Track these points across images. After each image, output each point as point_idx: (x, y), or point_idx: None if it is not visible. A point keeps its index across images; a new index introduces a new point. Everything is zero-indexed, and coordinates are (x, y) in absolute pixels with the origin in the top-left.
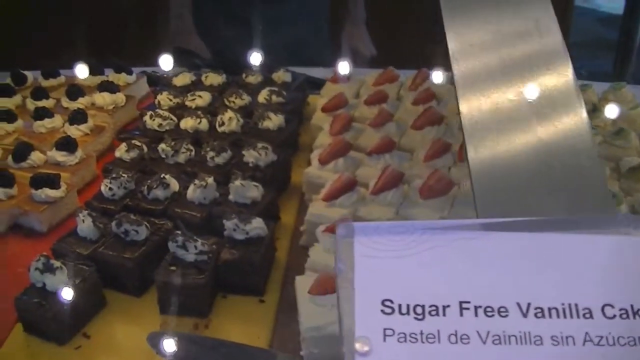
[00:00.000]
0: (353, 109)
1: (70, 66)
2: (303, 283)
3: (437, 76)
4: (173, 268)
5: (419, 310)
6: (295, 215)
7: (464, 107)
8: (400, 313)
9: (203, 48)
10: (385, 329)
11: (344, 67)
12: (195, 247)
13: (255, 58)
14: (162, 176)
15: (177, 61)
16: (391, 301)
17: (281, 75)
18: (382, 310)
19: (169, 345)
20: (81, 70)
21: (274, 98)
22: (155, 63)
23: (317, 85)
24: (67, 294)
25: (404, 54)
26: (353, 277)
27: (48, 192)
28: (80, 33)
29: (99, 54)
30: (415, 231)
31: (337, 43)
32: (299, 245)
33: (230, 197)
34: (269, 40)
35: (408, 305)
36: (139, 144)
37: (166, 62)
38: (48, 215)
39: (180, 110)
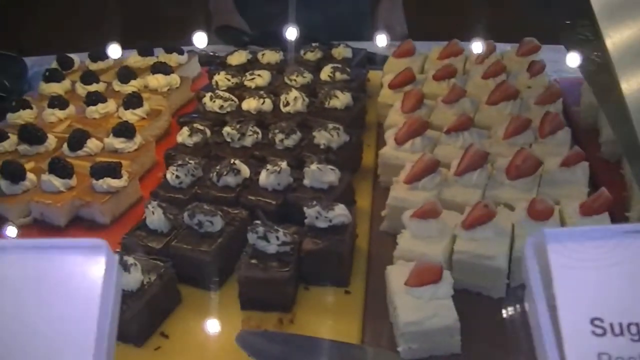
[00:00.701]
0: (420, 84)
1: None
2: (395, 273)
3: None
4: (254, 261)
5: (633, 329)
6: (371, 199)
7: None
8: (614, 334)
9: (244, 25)
10: (599, 354)
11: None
12: (277, 238)
13: (309, 34)
14: (232, 162)
15: (224, 39)
16: (601, 320)
17: (341, 51)
18: (592, 332)
19: (260, 344)
20: (114, 51)
21: (338, 75)
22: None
23: (370, 60)
24: (144, 292)
25: (455, 26)
26: (553, 292)
27: (110, 182)
28: (116, 13)
29: (136, 35)
30: (614, 235)
31: (378, 17)
32: (379, 231)
33: (306, 182)
34: (307, 15)
35: (621, 324)
36: (201, 127)
37: (200, 39)
38: (110, 206)
39: (239, 91)
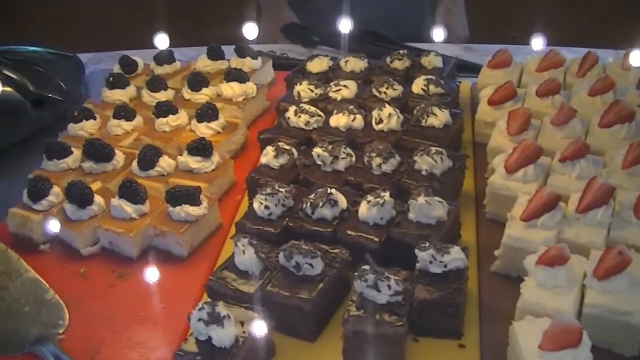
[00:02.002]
0: (521, 100)
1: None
2: (524, 332)
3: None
4: (363, 313)
5: None
6: (475, 232)
7: None
8: None
9: (294, 20)
10: None
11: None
12: (389, 287)
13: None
14: (328, 191)
15: (290, 38)
16: None
17: (432, 60)
18: None
19: None
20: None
21: (432, 88)
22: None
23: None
24: (238, 349)
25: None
26: None
27: (188, 210)
28: (160, 11)
29: (180, 33)
30: None
31: (438, 17)
32: (490, 272)
33: (411, 216)
34: (363, 14)
35: None
36: (287, 147)
37: (250, 30)
38: (189, 236)
39: (323, 103)
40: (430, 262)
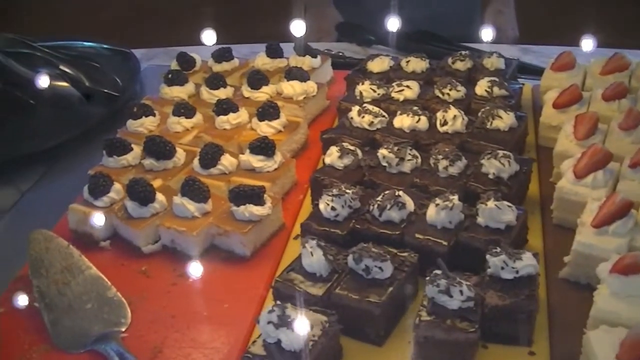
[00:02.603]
0: (586, 104)
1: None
2: (599, 341)
3: None
4: (434, 318)
5: None
6: (542, 237)
7: None
8: None
9: (339, 19)
10: None
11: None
12: (461, 293)
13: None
14: (396, 194)
15: (345, 36)
16: None
17: (494, 61)
18: None
19: None
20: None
21: (496, 90)
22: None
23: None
24: (307, 353)
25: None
26: None
27: (252, 210)
28: (205, 7)
29: (228, 30)
30: None
31: (487, 17)
32: (558, 279)
33: (480, 220)
34: (410, 13)
35: None
36: (352, 147)
37: (299, 28)
38: (252, 236)
39: (385, 103)
40: (502, 268)
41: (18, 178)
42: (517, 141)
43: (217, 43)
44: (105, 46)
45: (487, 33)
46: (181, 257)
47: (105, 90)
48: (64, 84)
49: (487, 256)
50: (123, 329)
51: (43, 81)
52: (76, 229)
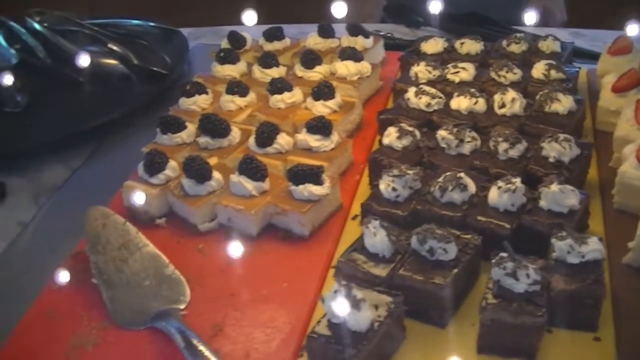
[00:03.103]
0: None
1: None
2: None
3: None
4: (500, 301)
5: None
6: (602, 223)
7: None
8: None
9: (383, 2)
10: None
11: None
12: (528, 276)
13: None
14: (458, 175)
15: (393, 17)
16: None
17: (550, 44)
18: None
19: None
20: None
21: (553, 73)
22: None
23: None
24: (374, 334)
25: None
26: None
27: (311, 189)
28: None
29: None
30: None
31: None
32: (621, 264)
33: (543, 203)
34: None
35: None
36: (410, 128)
37: (339, 9)
38: (311, 216)
39: (441, 85)
40: (568, 252)
41: (68, 156)
42: (576, 125)
43: (262, 23)
44: (153, 25)
45: (534, 16)
46: (238, 236)
47: (154, 69)
48: (113, 61)
49: (553, 240)
50: (182, 307)
51: (92, 59)
52: (131, 206)
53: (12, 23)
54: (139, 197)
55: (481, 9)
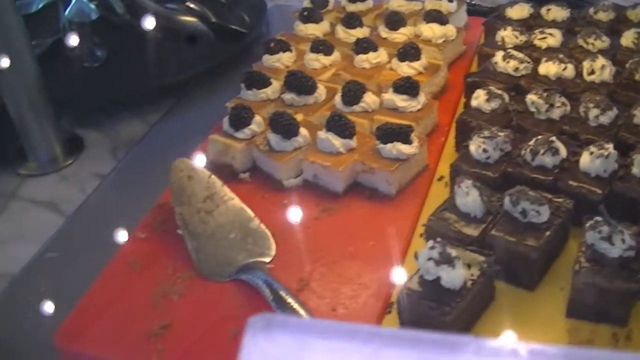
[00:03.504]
0: None
1: None
2: None
3: None
4: (594, 265)
5: None
6: None
7: None
8: None
9: None
10: None
11: None
12: (623, 241)
13: None
14: (550, 139)
15: None
16: None
17: (638, 13)
18: None
19: None
20: None
21: None
22: None
23: None
24: (467, 292)
25: None
26: None
27: (400, 148)
28: None
29: None
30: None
31: None
32: None
33: (635, 170)
34: None
35: None
36: (498, 91)
37: None
38: (399, 175)
39: (527, 50)
40: None
41: (145, 112)
42: None
43: None
44: None
45: None
46: (323, 193)
47: (233, 27)
48: (192, 19)
49: None
50: (268, 260)
51: (171, 16)
52: (215, 159)
53: None
54: (224, 151)
55: None
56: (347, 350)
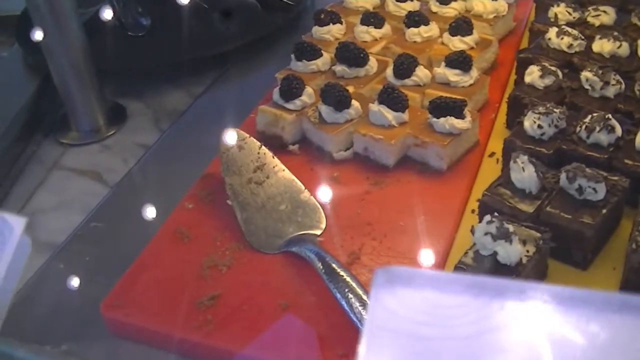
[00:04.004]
0: None
1: None
2: None
3: None
4: None
5: None
6: None
7: None
8: None
9: None
10: None
11: None
12: None
13: None
14: (606, 116)
15: None
16: None
17: None
18: None
19: None
20: None
21: None
22: None
23: None
24: (522, 268)
25: None
26: None
27: (454, 122)
28: None
29: None
30: None
31: None
32: None
33: None
34: None
35: None
36: (553, 68)
37: None
38: (450, 150)
39: (580, 27)
40: None
41: (189, 82)
42: None
43: None
44: None
45: None
46: (374, 166)
47: None
48: None
49: None
50: (318, 233)
51: None
52: (265, 130)
53: None
54: (274, 121)
55: None
56: (473, 306)
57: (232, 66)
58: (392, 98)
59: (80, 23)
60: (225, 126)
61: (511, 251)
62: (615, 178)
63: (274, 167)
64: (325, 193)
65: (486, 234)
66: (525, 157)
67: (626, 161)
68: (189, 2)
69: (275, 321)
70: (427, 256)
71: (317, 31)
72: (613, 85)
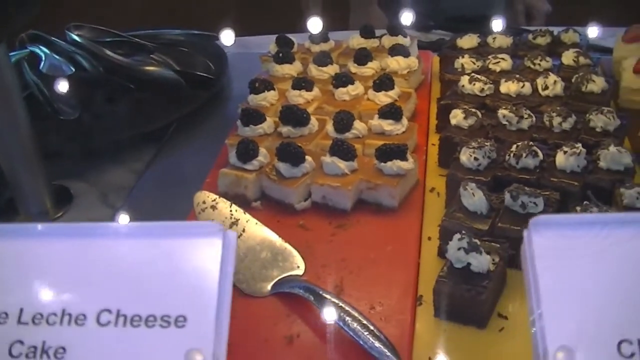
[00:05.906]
0: None
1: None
2: None
3: None
4: None
5: None
6: None
7: None
8: None
9: (383, 18)
10: None
11: None
12: None
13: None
14: (529, 144)
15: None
16: None
17: (571, 36)
18: None
19: None
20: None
21: (582, 60)
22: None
23: None
24: (493, 274)
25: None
26: None
27: (400, 164)
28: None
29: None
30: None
31: None
32: None
33: (602, 164)
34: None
35: None
36: (473, 110)
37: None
38: (399, 189)
39: (484, 74)
40: (637, 198)
41: (129, 159)
42: (608, 102)
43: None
44: (191, 32)
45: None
46: (333, 211)
47: (201, 74)
48: (160, 69)
49: (621, 190)
50: (300, 273)
51: (140, 67)
52: (227, 191)
53: (53, 38)
54: (236, 182)
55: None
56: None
57: (168, 140)
58: (342, 150)
59: (25, 108)
60: (179, 194)
61: (482, 260)
62: (548, 193)
63: (247, 221)
64: (296, 239)
65: (459, 249)
66: (474, 185)
67: (552, 179)
68: (116, 84)
69: (284, 352)
70: (401, 280)
71: (254, 98)
72: (526, 118)
